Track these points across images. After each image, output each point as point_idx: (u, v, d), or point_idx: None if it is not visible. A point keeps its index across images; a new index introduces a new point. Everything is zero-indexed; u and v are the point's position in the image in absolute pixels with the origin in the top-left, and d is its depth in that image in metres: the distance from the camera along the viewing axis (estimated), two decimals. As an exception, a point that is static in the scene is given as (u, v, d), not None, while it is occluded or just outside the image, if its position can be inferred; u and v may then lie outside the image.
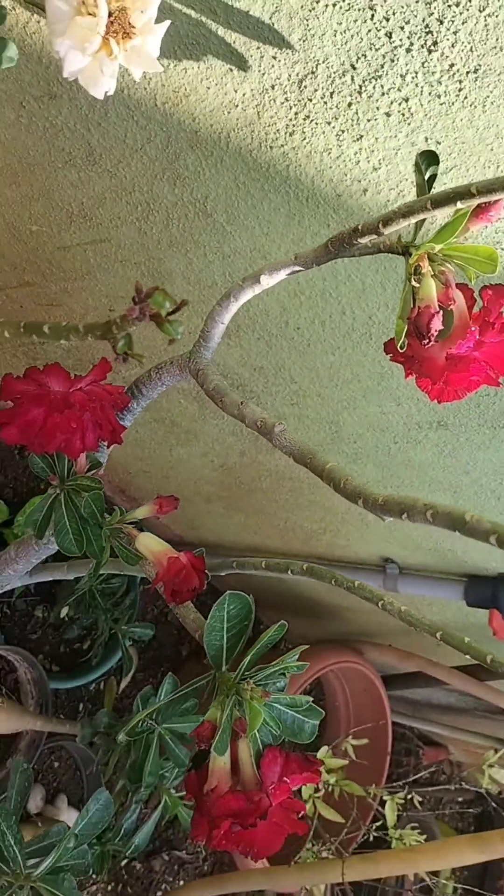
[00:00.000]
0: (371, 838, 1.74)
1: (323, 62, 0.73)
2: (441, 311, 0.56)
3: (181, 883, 1.96)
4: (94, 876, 1.73)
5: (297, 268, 0.71)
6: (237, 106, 0.81)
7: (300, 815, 0.68)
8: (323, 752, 1.58)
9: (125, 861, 1.86)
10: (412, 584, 1.61)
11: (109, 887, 1.84)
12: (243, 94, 0.80)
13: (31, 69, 0.83)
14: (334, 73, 0.73)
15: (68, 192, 0.98)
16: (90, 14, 0.51)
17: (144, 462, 1.62)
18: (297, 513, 1.59)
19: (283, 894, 1.71)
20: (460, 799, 2.70)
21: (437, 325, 0.56)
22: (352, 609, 1.96)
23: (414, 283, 0.56)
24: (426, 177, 0.60)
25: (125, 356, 0.47)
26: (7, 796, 0.94)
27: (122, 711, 1.94)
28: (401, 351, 0.60)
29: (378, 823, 1.72)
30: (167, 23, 0.56)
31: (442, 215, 0.56)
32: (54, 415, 0.67)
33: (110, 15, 0.51)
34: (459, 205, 0.50)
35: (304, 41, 0.72)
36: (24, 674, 1.48)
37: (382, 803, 1.70)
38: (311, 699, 0.71)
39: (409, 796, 1.75)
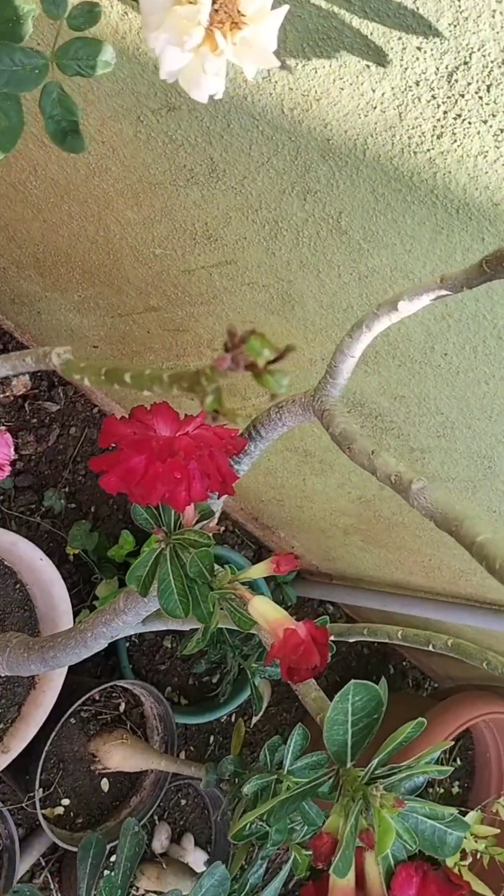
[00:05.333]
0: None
1: (478, 50, 0.61)
2: None
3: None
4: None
5: (444, 292, 0.60)
6: (375, 108, 0.71)
7: None
8: (472, 818, 1.42)
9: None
10: None
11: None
12: (382, 94, 0.69)
13: (146, 79, 0.76)
14: (492, 62, 0.61)
15: (191, 212, 0.90)
16: (190, 2, 0.42)
17: (277, 491, 1.54)
18: (444, 550, 1.45)
19: None
20: None
21: None
22: None
23: None
24: None
25: (214, 414, 0.38)
26: (117, 861, 0.87)
27: (255, 746, 1.86)
28: None
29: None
30: (285, 8, 0.47)
31: None
32: (156, 464, 0.60)
33: (214, 2, 0.43)
34: None
35: (454, 26, 0.61)
36: (149, 708, 1.42)
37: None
38: (456, 811, 0.59)
39: None
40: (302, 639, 0.61)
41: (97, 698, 1.37)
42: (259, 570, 0.67)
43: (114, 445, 0.61)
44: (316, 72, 0.69)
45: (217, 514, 0.71)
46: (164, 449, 0.60)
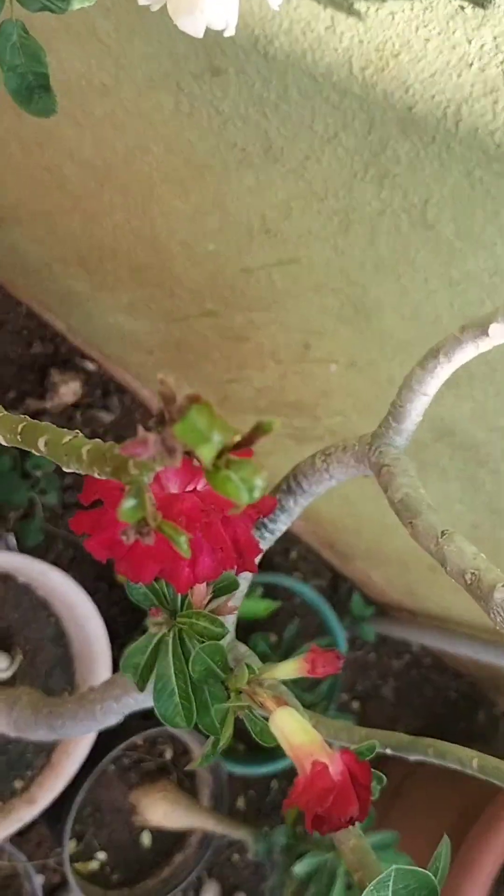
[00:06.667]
0: None
1: None
2: None
3: None
4: None
5: None
6: (472, 64, 0.54)
7: None
8: None
9: None
10: None
11: None
12: (481, 46, 0.52)
13: (184, 37, 0.61)
14: None
15: (246, 201, 0.75)
16: None
17: (354, 519, 1.37)
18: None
19: None
20: None
21: None
22: None
23: None
24: None
25: (138, 531, 0.23)
26: None
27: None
28: None
29: None
30: None
31: None
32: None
33: None
34: None
35: None
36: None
37: None
38: None
39: None
40: (334, 782, 0.45)
41: (140, 743, 1.24)
42: (288, 670, 0.51)
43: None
44: (393, 17, 0.53)
45: (244, 589, 0.55)
46: (162, 503, 0.45)
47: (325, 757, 0.46)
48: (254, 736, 0.52)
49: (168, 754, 1.27)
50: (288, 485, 0.55)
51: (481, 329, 0.45)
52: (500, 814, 1.39)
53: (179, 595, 0.52)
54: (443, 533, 0.43)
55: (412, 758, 0.58)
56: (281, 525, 0.56)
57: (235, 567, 0.50)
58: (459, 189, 0.62)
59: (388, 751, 0.59)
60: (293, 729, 0.48)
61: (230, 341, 1.01)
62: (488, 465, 0.97)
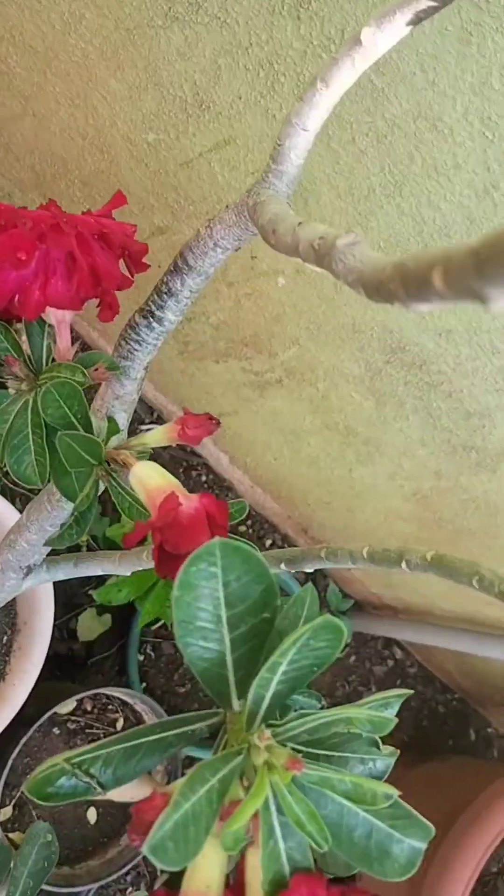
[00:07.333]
0: None
1: None
2: None
3: None
4: None
5: (427, 3, 0.40)
6: None
7: None
8: None
9: None
10: None
11: None
12: None
13: None
14: None
15: (177, 67, 0.75)
16: None
17: (323, 488, 1.32)
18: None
19: None
20: None
21: None
22: None
23: None
24: None
25: None
26: (13, 878, 0.65)
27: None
28: None
29: None
30: None
31: None
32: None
33: None
34: None
35: None
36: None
37: None
38: (400, 792, 0.35)
39: None
40: (181, 505, 0.40)
41: (89, 709, 1.17)
42: (158, 436, 0.47)
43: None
44: None
45: (136, 377, 0.51)
46: (8, 216, 0.42)
47: (182, 497, 0.42)
48: (121, 511, 0.47)
49: (119, 723, 1.19)
50: (175, 264, 0.52)
51: (354, 41, 0.43)
52: (482, 813, 1.28)
53: (44, 349, 0.48)
54: (299, 223, 0.40)
55: (308, 568, 0.52)
56: (169, 314, 0.53)
57: (93, 297, 0.47)
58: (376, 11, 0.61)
59: (283, 566, 0.53)
60: (150, 475, 0.44)
61: (182, 263, 0.99)
62: (442, 388, 0.93)
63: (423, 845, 0.37)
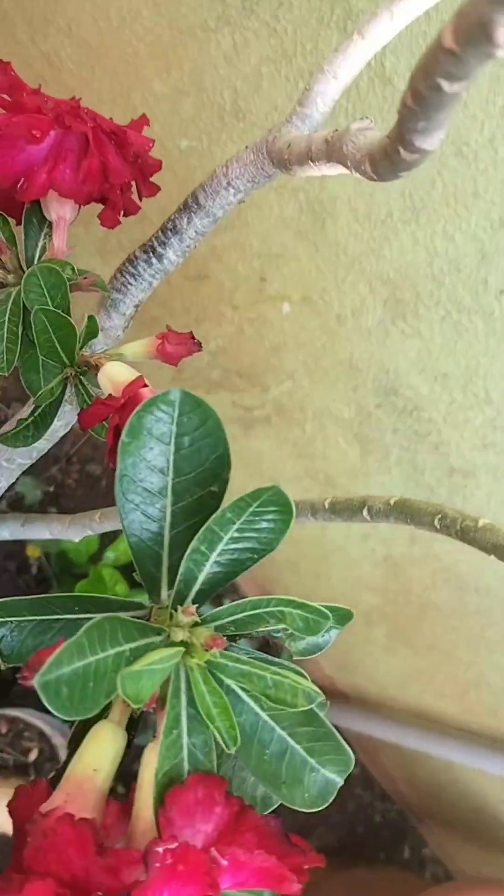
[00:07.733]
0: None
1: None
2: None
3: None
4: None
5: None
6: None
7: None
8: None
9: None
10: None
11: None
12: None
13: None
14: None
15: (221, 73, 0.77)
16: None
17: (293, 546, 1.28)
18: (486, 655, 1.13)
19: None
20: None
21: None
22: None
23: None
24: None
25: None
26: None
27: None
28: None
29: None
30: None
31: None
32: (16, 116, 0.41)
33: None
34: None
35: None
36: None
37: None
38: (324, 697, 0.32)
39: None
40: (146, 387, 0.38)
41: (3, 732, 1.09)
42: (136, 349, 0.45)
43: None
44: None
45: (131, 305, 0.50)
46: (30, 95, 0.42)
47: (148, 386, 0.40)
48: (80, 405, 0.45)
49: (33, 755, 1.11)
50: (185, 203, 0.52)
51: (395, -4, 0.44)
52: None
53: (39, 245, 0.47)
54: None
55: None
56: (171, 253, 0.52)
57: (105, 200, 0.46)
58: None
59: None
60: (120, 371, 0.42)
61: (192, 282, 1.00)
62: (430, 439, 0.92)
63: (339, 780, 0.33)
